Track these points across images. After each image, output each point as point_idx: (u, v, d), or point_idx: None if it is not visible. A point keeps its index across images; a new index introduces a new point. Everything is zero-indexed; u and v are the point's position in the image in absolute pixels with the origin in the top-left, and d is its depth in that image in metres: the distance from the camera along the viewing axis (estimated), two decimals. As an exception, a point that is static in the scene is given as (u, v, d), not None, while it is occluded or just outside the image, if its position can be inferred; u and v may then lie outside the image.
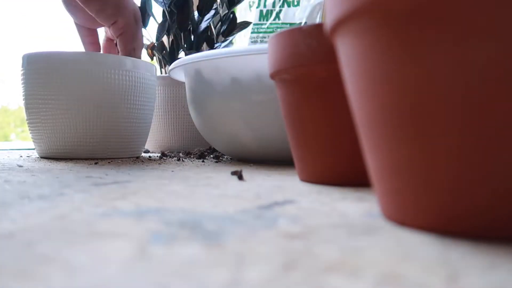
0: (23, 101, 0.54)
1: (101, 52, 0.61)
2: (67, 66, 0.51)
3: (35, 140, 0.55)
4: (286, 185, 0.30)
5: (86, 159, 0.52)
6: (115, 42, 0.59)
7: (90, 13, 0.54)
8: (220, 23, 0.74)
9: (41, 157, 0.54)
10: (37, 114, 0.52)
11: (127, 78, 0.54)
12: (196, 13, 0.73)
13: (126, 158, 0.56)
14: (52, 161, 0.50)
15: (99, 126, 0.52)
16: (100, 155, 0.53)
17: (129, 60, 0.54)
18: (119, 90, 0.53)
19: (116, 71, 0.53)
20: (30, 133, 0.55)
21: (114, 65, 0.52)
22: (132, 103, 0.55)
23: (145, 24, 0.73)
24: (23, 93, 0.54)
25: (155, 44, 0.76)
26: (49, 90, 0.51)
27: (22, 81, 0.53)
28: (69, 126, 0.52)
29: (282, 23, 0.74)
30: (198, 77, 0.51)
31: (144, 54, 0.79)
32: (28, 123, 0.55)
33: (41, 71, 0.51)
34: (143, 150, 0.63)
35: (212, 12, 0.72)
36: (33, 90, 0.52)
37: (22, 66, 0.53)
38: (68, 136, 0.52)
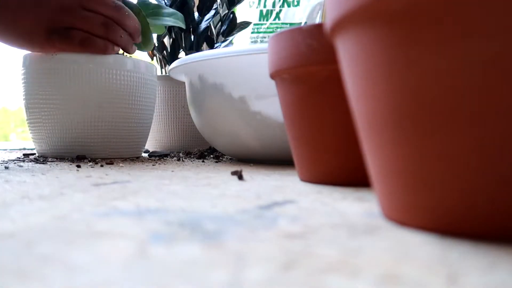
0: (23, 101, 0.54)
1: None
2: (67, 66, 0.51)
3: (35, 140, 0.55)
4: (286, 185, 0.30)
5: (86, 158, 0.52)
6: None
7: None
8: (220, 23, 0.74)
9: (41, 157, 0.54)
10: (37, 114, 0.52)
11: (127, 78, 0.54)
12: (196, 14, 0.73)
13: (126, 158, 0.56)
14: (52, 161, 0.50)
15: (99, 126, 0.52)
16: (100, 155, 0.53)
17: (129, 60, 0.54)
18: (119, 90, 0.53)
19: (116, 71, 0.53)
20: (30, 133, 0.55)
21: (114, 65, 0.52)
22: (132, 103, 0.55)
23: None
24: (23, 93, 0.54)
25: (155, 44, 0.76)
26: (49, 90, 0.51)
27: (23, 81, 0.53)
28: (69, 126, 0.52)
29: (282, 23, 0.74)
30: (198, 77, 0.51)
31: (145, 54, 0.79)
32: (28, 123, 0.55)
33: (41, 71, 0.51)
34: (143, 150, 0.63)
35: (212, 12, 0.72)
36: (33, 90, 0.52)
37: (23, 66, 0.53)
38: (68, 136, 0.52)
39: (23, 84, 0.53)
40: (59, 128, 0.52)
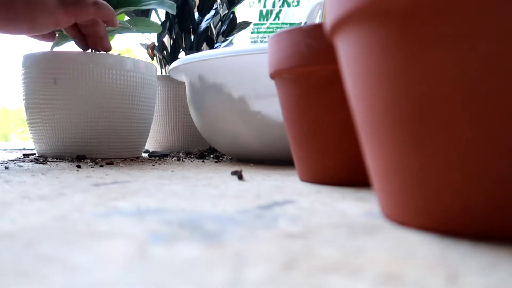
0: (23, 101, 0.54)
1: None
2: (68, 66, 0.51)
3: (35, 140, 0.55)
4: (286, 185, 0.30)
5: (86, 158, 0.52)
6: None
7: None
8: (220, 23, 0.74)
9: (41, 157, 0.54)
10: (37, 114, 0.53)
11: (127, 78, 0.54)
12: (196, 14, 0.73)
13: (126, 158, 0.56)
14: (52, 161, 0.50)
15: (99, 126, 0.52)
16: (100, 155, 0.53)
17: (129, 60, 0.54)
18: (119, 90, 0.53)
19: (116, 71, 0.53)
20: (30, 133, 0.55)
21: (114, 65, 0.52)
22: (132, 103, 0.55)
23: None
24: (23, 93, 0.54)
25: (156, 44, 0.76)
26: (49, 90, 0.51)
27: (23, 81, 0.53)
28: (69, 126, 0.52)
29: (282, 23, 0.74)
30: (198, 77, 0.51)
31: (145, 54, 0.79)
32: (28, 123, 0.55)
33: (41, 71, 0.51)
34: (143, 150, 0.63)
35: (212, 12, 0.72)
36: (34, 90, 0.52)
37: (23, 66, 0.53)
38: (68, 136, 0.52)
39: (24, 84, 0.53)
40: (59, 128, 0.52)
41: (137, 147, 0.58)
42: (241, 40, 0.79)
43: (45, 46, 0.56)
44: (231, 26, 0.73)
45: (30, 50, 0.54)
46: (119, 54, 0.55)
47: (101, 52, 0.53)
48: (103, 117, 0.52)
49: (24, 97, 0.54)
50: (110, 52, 0.54)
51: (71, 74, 0.51)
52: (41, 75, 0.51)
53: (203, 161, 0.54)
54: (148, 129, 0.60)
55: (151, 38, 0.80)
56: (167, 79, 0.73)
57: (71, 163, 0.47)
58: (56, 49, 0.59)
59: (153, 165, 0.47)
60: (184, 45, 0.74)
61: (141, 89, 0.56)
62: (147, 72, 0.57)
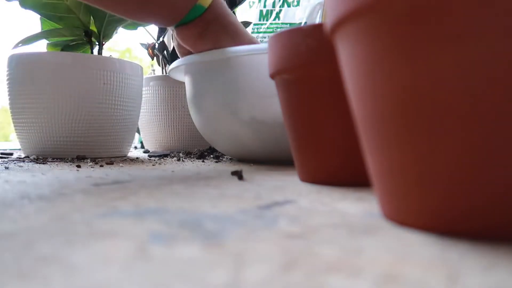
0: (8, 102, 0.55)
1: None
2: (53, 67, 0.51)
3: (21, 139, 0.55)
4: (286, 185, 0.30)
5: (86, 158, 0.52)
6: None
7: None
8: (220, 23, 0.74)
9: (41, 157, 0.55)
10: (22, 114, 0.53)
11: (112, 78, 0.54)
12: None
13: (114, 157, 0.57)
14: (52, 161, 0.50)
15: (83, 125, 0.53)
16: (85, 154, 0.54)
17: (114, 61, 0.55)
18: (103, 90, 0.54)
19: (100, 72, 0.53)
20: (16, 132, 0.56)
21: (98, 66, 0.53)
22: (117, 103, 0.56)
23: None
24: (8, 94, 0.54)
25: (156, 43, 0.76)
26: (34, 91, 0.52)
27: (7, 82, 0.54)
28: (54, 125, 0.52)
29: (282, 23, 0.74)
30: (198, 77, 0.51)
31: (145, 54, 0.79)
32: (13, 123, 0.55)
33: (26, 72, 0.52)
34: (129, 150, 0.63)
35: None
36: (19, 90, 0.53)
37: (8, 67, 0.54)
38: (52, 135, 0.52)
39: (8, 85, 0.54)
40: (43, 128, 0.53)
41: (122, 146, 0.59)
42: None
43: (30, 47, 0.57)
44: (231, 26, 0.72)
45: (16, 51, 0.54)
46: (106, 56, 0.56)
47: (88, 54, 0.54)
48: (87, 116, 0.53)
49: (9, 97, 0.54)
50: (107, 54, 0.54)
51: (56, 75, 0.51)
52: (26, 76, 0.52)
53: (203, 161, 0.54)
54: (134, 129, 0.61)
55: (151, 38, 0.80)
56: (167, 79, 0.73)
57: (71, 163, 0.47)
58: (42, 50, 0.59)
59: (153, 165, 0.47)
60: (184, 45, 0.74)
61: (125, 89, 0.57)
62: (132, 73, 0.58)
